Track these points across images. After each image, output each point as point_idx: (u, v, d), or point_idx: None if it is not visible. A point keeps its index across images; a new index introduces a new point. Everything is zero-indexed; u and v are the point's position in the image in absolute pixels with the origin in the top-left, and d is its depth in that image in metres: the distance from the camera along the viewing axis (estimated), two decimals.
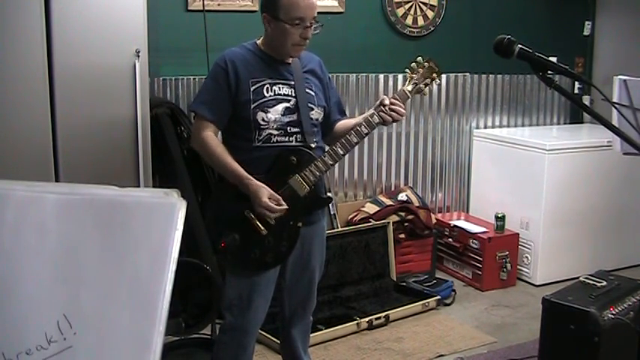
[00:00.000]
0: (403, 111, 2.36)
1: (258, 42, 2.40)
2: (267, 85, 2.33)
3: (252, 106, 2.29)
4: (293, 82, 2.37)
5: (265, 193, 2.24)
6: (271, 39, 2.34)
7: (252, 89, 2.30)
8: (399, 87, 4.39)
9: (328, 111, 2.49)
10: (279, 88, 2.34)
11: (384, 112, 2.33)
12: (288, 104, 2.34)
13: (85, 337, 0.89)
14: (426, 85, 2.43)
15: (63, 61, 2.84)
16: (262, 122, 2.30)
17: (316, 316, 2.91)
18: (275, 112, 2.31)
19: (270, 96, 2.32)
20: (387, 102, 2.34)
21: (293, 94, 2.36)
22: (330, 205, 4.06)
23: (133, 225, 0.91)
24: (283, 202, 2.26)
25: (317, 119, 2.42)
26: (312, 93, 2.41)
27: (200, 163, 3.47)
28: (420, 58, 2.43)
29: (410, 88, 2.42)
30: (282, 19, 2.25)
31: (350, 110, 4.38)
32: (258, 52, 2.37)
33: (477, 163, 4.85)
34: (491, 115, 4.96)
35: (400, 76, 4.49)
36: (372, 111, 2.38)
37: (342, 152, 2.34)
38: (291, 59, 2.39)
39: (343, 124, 2.53)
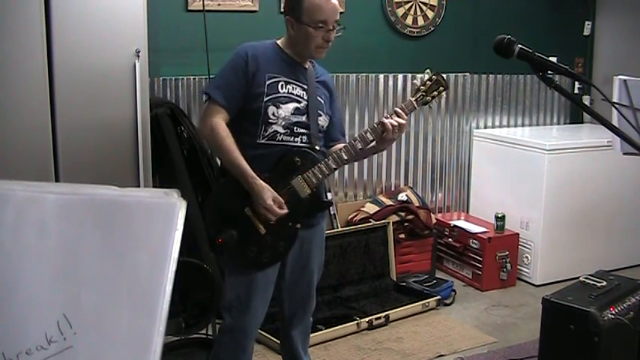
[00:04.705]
0: (403, 121, 2.36)
1: (279, 42, 2.42)
2: (282, 82, 2.34)
3: (265, 99, 2.30)
4: (306, 87, 2.39)
5: (269, 195, 2.24)
6: (294, 41, 2.36)
7: (267, 83, 2.31)
8: (399, 87, 4.48)
9: (330, 124, 2.50)
10: (293, 87, 2.36)
11: (386, 120, 2.34)
12: (298, 105, 2.36)
13: (85, 337, 0.89)
14: (433, 97, 2.47)
15: (63, 61, 2.83)
16: (272, 117, 2.30)
17: (316, 316, 2.90)
18: (286, 110, 2.32)
19: (284, 93, 2.34)
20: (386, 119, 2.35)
21: (305, 97, 2.38)
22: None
23: (133, 225, 0.91)
24: (285, 207, 2.27)
25: (323, 126, 2.44)
26: (322, 101, 2.44)
27: (200, 163, 3.47)
28: (428, 71, 2.47)
29: (417, 98, 2.45)
30: (305, 22, 2.28)
31: (350, 110, 4.38)
32: (278, 51, 2.39)
33: (477, 163, 4.85)
34: (491, 115, 4.96)
35: (400, 76, 4.49)
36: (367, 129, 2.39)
37: (346, 157, 2.36)
38: (307, 65, 2.42)
39: (338, 148, 2.51)
